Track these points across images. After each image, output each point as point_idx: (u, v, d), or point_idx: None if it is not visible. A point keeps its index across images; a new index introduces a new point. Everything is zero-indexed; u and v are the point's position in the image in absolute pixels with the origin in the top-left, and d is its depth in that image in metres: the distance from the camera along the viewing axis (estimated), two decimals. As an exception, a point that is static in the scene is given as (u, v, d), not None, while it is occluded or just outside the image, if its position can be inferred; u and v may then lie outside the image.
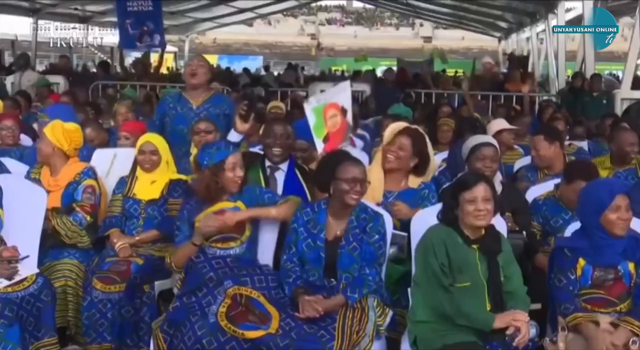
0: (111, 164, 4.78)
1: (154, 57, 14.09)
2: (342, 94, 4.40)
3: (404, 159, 4.02)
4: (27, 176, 4.39)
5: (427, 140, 4.19)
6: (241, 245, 3.71)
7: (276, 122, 4.49)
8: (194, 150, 4.75)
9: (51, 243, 4.13)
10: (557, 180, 4.22)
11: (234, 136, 4.42)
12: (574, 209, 3.94)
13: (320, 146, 4.19)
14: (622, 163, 4.91)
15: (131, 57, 18.36)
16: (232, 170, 3.71)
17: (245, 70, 20.45)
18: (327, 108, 4.25)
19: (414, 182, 4.06)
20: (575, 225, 3.62)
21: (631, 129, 5.22)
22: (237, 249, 3.69)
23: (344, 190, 3.46)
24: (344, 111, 4.31)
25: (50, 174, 4.32)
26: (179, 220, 3.82)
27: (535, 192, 4.37)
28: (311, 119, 4.23)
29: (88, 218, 4.21)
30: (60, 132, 4.30)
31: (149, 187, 4.27)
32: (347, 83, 4.64)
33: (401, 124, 4.17)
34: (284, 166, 4.33)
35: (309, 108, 4.29)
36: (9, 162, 4.80)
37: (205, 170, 3.73)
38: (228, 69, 21.69)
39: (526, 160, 5.40)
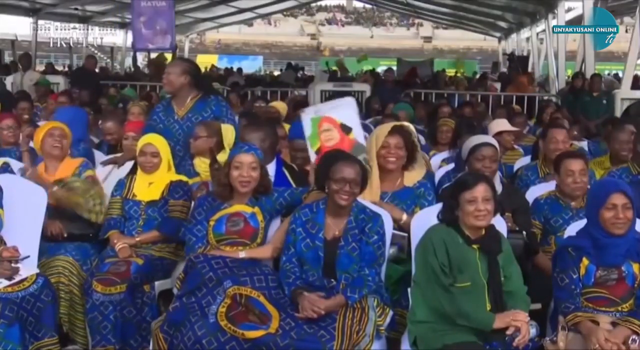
0: (111, 169, 4.83)
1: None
2: (342, 110, 4.24)
3: (403, 157, 4.02)
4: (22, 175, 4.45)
5: (413, 131, 4.18)
6: None
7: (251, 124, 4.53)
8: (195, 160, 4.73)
9: (48, 239, 4.14)
10: None
11: None
12: (573, 203, 4.02)
13: (313, 157, 4.18)
14: (622, 163, 4.90)
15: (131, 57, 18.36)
16: (237, 168, 3.73)
17: (239, 69, 20.42)
18: (322, 121, 4.20)
19: (408, 179, 4.06)
20: (576, 225, 3.63)
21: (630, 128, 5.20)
22: (243, 253, 3.69)
23: (333, 190, 3.49)
24: (344, 128, 4.18)
25: (45, 171, 4.41)
26: (196, 217, 3.79)
27: (535, 192, 4.37)
28: (307, 129, 4.21)
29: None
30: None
31: (148, 189, 4.26)
32: (351, 100, 4.41)
33: (388, 126, 4.11)
34: (269, 168, 4.31)
35: (307, 118, 4.24)
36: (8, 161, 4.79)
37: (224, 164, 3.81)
38: (231, 69, 21.68)
39: (526, 160, 5.40)
